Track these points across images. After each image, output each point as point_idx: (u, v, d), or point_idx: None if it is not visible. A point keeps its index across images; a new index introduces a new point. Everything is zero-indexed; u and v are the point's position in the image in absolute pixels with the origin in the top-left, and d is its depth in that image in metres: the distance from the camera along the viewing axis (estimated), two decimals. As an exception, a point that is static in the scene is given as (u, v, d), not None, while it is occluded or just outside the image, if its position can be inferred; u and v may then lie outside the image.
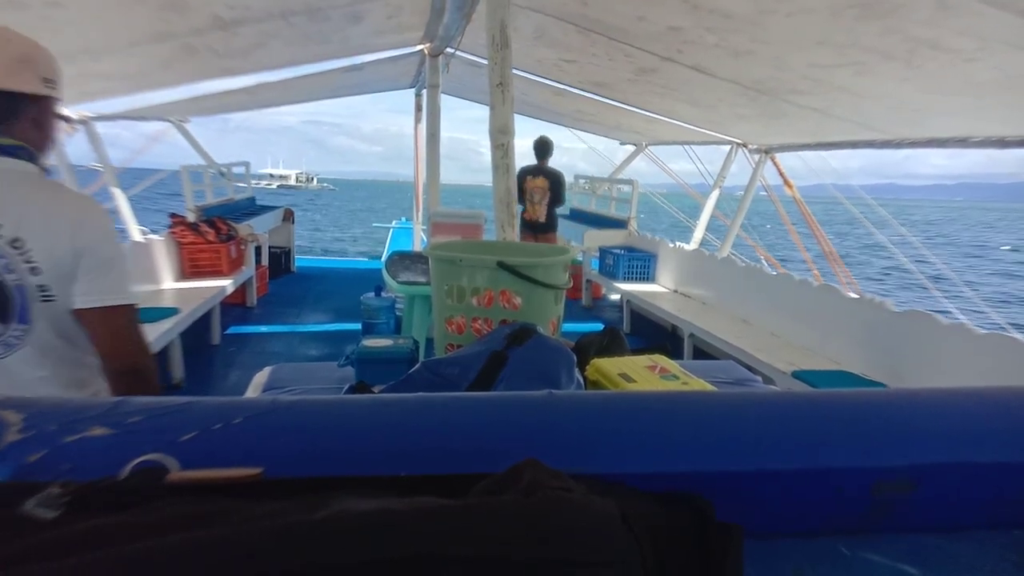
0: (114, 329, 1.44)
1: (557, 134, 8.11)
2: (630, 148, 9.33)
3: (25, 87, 1.39)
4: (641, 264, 6.88)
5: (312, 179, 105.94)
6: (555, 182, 6.90)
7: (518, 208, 6.10)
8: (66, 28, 3.39)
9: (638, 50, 4.46)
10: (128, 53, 4.08)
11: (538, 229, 6.91)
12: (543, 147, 6.94)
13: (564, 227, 8.70)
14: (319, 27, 4.66)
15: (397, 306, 5.40)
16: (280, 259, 8.74)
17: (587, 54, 5.07)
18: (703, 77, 4.52)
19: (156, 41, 3.95)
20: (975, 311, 7.43)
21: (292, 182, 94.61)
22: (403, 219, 14.12)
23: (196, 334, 5.23)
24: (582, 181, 9.33)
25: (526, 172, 6.85)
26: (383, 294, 5.40)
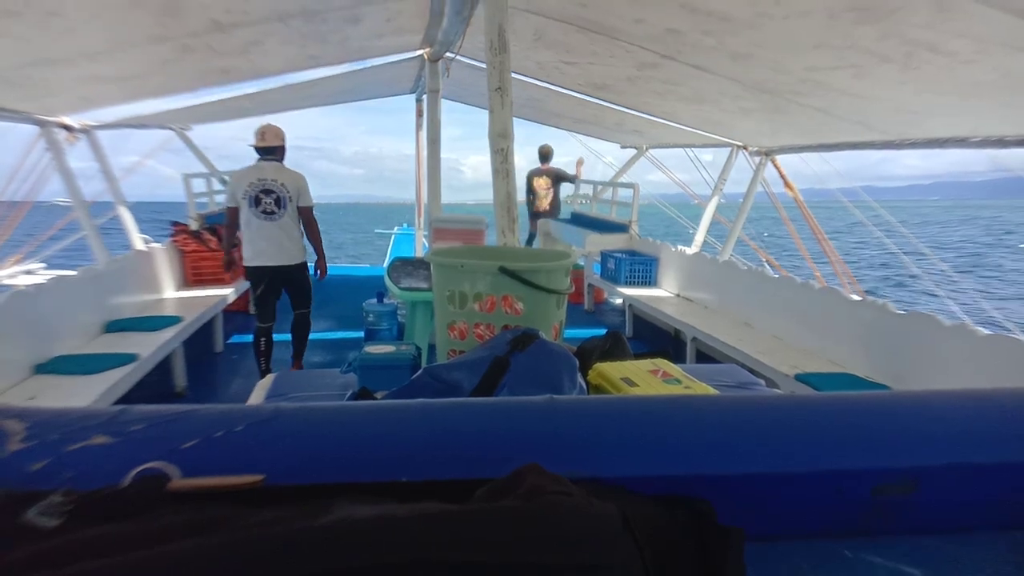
0: (307, 212, 4.58)
1: (547, 134, 9.18)
2: (630, 151, 9.34)
3: (278, 144, 4.56)
4: (643, 268, 6.87)
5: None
6: (556, 178, 8.96)
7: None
8: (63, 35, 3.40)
9: (639, 47, 4.47)
10: (126, 55, 4.09)
11: (544, 215, 8.99)
12: (545, 153, 8.97)
13: (565, 232, 8.72)
14: (316, 27, 4.67)
15: (399, 312, 5.40)
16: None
17: (587, 53, 5.07)
18: (704, 73, 4.52)
19: (154, 43, 3.96)
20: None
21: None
22: (404, 225, 14.15)
23: (199, 342, 5.24)
24: (583, 188, 9.34)
25: (533, 174, 8.97)
26: (385, 300, 5.40)
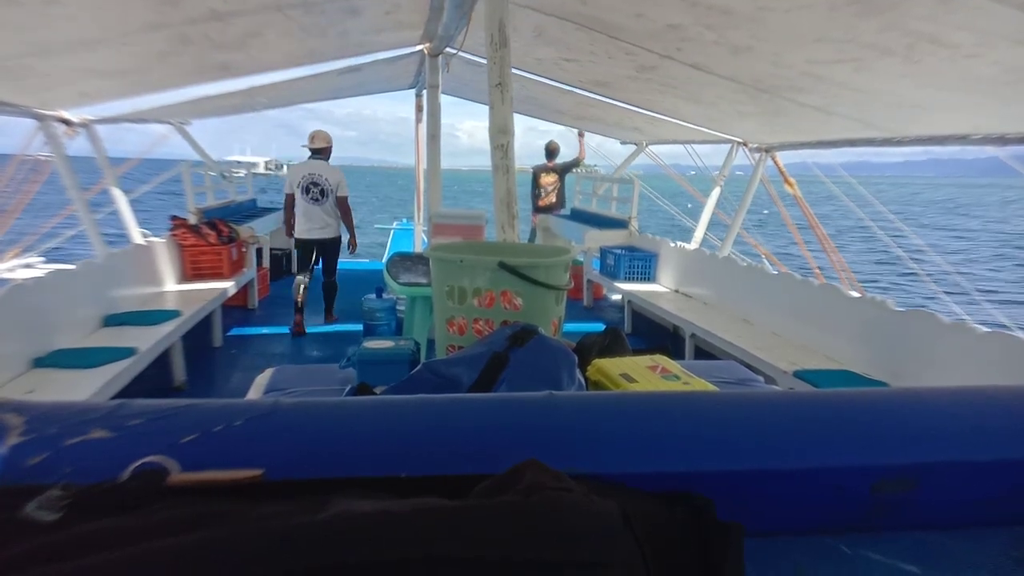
0: (343, 201, 6.06)
1: (532, 121, 9.46)
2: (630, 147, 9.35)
3: (325, 145, 6.11)
4: (642, 264, 6.87)
5: (282, 167, 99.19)
6: (562, 171, 9.20)
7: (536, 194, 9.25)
8: (62, 23, 3.38)
9: (638, 48, 4.46)
10: (123, 44, 4.05)
11: (551, 209, 9.22)
12: (552, 150, 9.14)
13: (565, 227, 8.72)
14: (315, 19, 4.64)
15: (398, 307, 5.39)
16: (281, 261, 8.73)
17: (586, 52, 5.06)
18: (703, 75, 4.51)
19: (151, 31, 3.93)
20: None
21: (261, 170, 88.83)
22: (404, 220, 14.10)
23: (198, 336, 5.23)
24: (583, 178, 9.37)
25: (539, 169, 9.19)
26: (384, 295, 5.39)
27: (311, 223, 5.96)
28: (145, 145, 7.29)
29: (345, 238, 6.26)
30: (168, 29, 3.97)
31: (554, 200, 9.21)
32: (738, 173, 7.56)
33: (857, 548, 0.87)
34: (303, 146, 6.06)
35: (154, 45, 4.25)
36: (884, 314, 3.82)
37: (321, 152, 6.04)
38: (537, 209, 9.29)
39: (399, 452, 0.85)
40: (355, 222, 6.38)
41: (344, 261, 6.65)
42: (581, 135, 9.07)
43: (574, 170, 9.35)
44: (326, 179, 5.93)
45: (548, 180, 9.16)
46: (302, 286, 6.09)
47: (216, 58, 4.91)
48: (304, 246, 6.11)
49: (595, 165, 9.32)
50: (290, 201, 6.02)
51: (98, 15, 3.46)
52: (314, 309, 7.04)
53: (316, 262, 6.15)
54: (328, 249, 6.14)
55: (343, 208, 6.06)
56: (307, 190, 5.88)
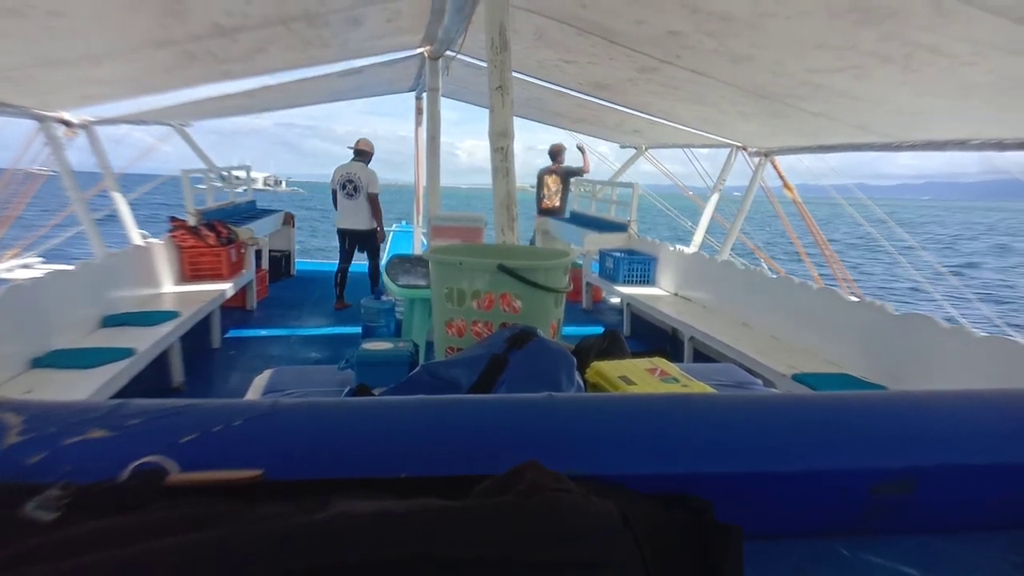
0: (372, 197, 6.99)
1: (531, 140, 9.34)
2: (629, 151, 9.36)
3: (365, 149, 7.16)
4: (641, 267, 6.87)
5: (280, 182, 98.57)
6: (565, 175, 9.28)
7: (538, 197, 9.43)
8: (67, 35, 3.39)
9: (638, 52, 4.47)
10: (128, 59, 4.07)
11: (554, 213, 9.32)
12: (555, 152, 9.25)
13: (564, 230, 8.72)
14: (318, 32, 4.66)
15: (397, 309, 5.39)
16: (280, 262, 8.74)
17: (587, 54, 5.07)
18: (704, 78, 4.52)
19: (156, 47, 3.94)
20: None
21: (259, 185, 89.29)
22: (403, 223, 14.10)
23: (196, 337, 5.22)
24: (583, 186, 9.37)
25: (544, 171, 9.33)
26: (383, 297, 5.39)
27: (343, 215, 6.99)
28: (138, 157, 7.31)
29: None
30: (173, 47, 3.97)
31: (558, 204, 9.27)
32: (735, 194, 7.59)
33: (856, 551, 0.87)
34: (348, 147, 7.22)
35: (158, 62, 4.25)
36: (883, 318, 3.82)
37: (361, 155, 7.05)
38: (541, 211, 9.34)
39: (399, 452, 0.85)
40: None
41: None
42: (583, 151, 9.06)
43: (571, 181, 9.33)
44: (359, 177, 6.90)
45: (552, 180, 9.24)
46: (339, 275, 7.23)
47: (219, 68, 4.92)
48: (339, 235, 7.17)
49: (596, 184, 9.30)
50: (335, 197, 7.05)
51: (100, 26, 3.45)
52: (319, 309, 7.11)
53: (351, 251, 7.14)
54: (364, 239, 7.12)
55: (372, 203, 6.96)
56: (344, 187, 6.91)
